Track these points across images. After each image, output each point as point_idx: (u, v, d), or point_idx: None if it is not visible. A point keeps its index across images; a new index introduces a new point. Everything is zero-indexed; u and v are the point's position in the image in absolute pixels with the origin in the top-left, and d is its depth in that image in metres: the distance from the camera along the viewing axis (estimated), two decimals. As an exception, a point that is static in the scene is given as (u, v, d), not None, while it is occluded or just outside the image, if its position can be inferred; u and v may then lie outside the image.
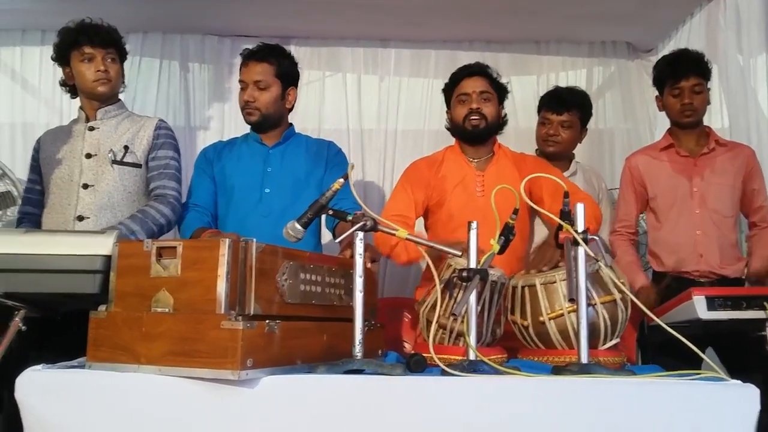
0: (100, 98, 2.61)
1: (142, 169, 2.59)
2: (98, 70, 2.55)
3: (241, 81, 2.64)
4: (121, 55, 2.65)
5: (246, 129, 2.78)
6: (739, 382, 1.53)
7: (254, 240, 1.52)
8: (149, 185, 2.59)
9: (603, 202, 3.15)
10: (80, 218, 2.48)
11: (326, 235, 2.82)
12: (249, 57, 2.63)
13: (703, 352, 1.70)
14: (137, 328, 1.53)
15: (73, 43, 2.55)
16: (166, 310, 1.52)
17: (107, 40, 2.56)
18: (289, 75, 2.68)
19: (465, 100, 2.56)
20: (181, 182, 2.65)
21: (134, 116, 2.70)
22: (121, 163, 2.55)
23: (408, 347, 2.58)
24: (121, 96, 2.74)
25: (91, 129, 2.59)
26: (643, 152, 2.93)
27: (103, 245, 1.68)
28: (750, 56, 3.10)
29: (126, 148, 2.56)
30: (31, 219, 2.63)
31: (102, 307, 1.61)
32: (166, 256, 1.55)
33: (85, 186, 2.51)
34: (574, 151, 3.19)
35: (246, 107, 2.62)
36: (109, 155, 2.54)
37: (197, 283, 1.50)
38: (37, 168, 2.65)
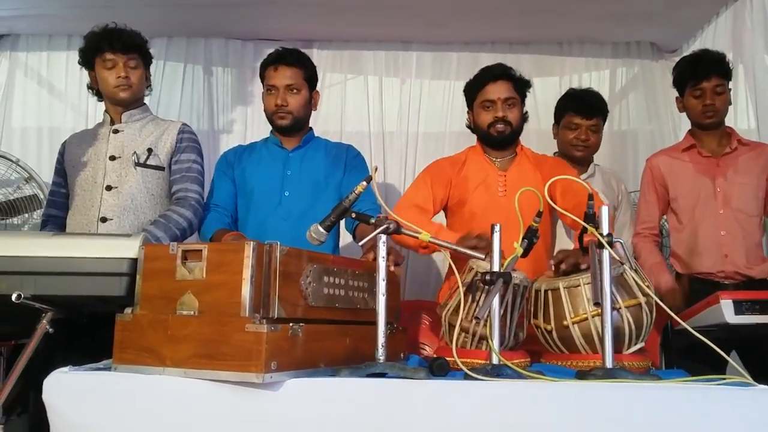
0: (122, 104, 2.64)
1: (165, 172, 2.62)
2: (119, 77, 2.58)
3: (271, 86, 2.64)
4: (146, 60, 2.67)
5: (268, 133, 2.80)
6: (766, 387, 1.51)
7: (278, 243, 1.53)
8: (171, 188, 2.62)
9: (622, 204, 3.13)
10: (103, 220, 2.51)
11: (344, 238, 2.83)
12: (278, 61, 2.65)
13: (728, 356, 1.68)
14: (163, 330, 1.54)
15: (96, 48, 2.59)
16: (191, 312, 1.53)
17: (129, 46, 2.58)
18: (314, 78, 2.73)
19: (489, 107, 2.54)
20: (204, 185, 2.68)
21: (158, 120, 2.73)
22: (145, 165, 2.58)
23: (428, 350, 2.58)
24: (146, 100, 2.77)
25: (116, 132, 2.62)
26: (665, 153, 2.91)
27: (130, 248, 1.70)
28: (778, 56, 3.06)
29: (149, 150, 2.59)
30: (55, 222, 2.66)
31: (128, 310, 1.62)
32: (192, 259, 1.56)
33: (109, 188, 2.54)
34: None
35: (279, 111, 2.64)
36: (133, 158, 2.57)
37: (222, 285, 1.51)
38: (61, 171, 2.69)
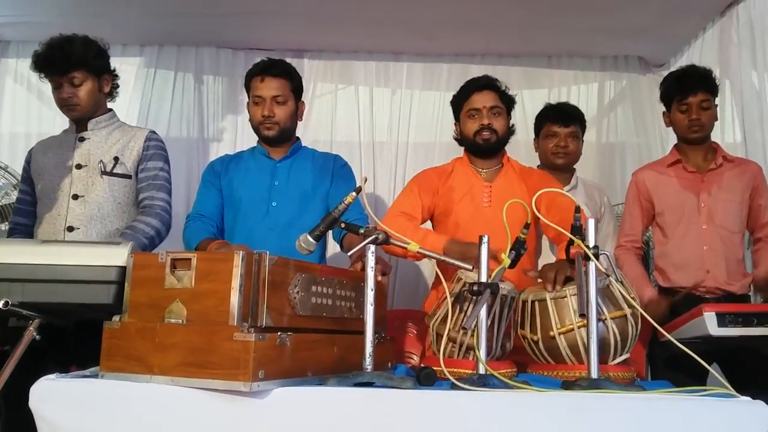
0: (74, 121, 2.63)
1: (132, 180, 2.59)
2: (61, 98, 2.55)
3: (257, 96, 2.63)
4: (96, 69, 2.59)
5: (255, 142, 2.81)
6: (749, 398, 1.52)
7: (267, 252, 1.54)
8: (138, 196, 2.60)
9: (605, 216, 3.16)
10: (70, 229, 2.49)
11: (332, 247, 2.83)
12: (264, 72, 2.64)
13: (710, 367, 1.70)
14: (150, 338, 1.54)
15: (40, 71, 2.55)
16: (180, 321, 1.54)
17: (68, 65, 2.51)
18: (300, 89, 2.73)
19: (475, 115, 2.57)
20: (171, 193, 2.67)
21: (125, 127, 2.71)
22: (111, 174, 2.55)
23: (414, 359, 2.59)
24: (136, 107, 2.76)
25: (82, 140, 2.60)
26: (650, 167, 2.93)
27: (118, 256, 1.71)
28: (765, 71, 3.09)
29: (116, 159, 2.57)
30: (22, 230, 2.64)
31: (116, 318, 1.62)
32: (181, 267, 1.57)
33: (75, 197, 2.52)
34: (575, 165, 3.21)
35: (265, 122, 2.63)
36: (99, 166, 2.55)
37: (211, 294, 1.52)
38: (28, 179, 2.67)
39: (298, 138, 2.79)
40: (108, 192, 2.54)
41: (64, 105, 2.57)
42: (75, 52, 2.52)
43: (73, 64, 2.52)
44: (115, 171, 2.56)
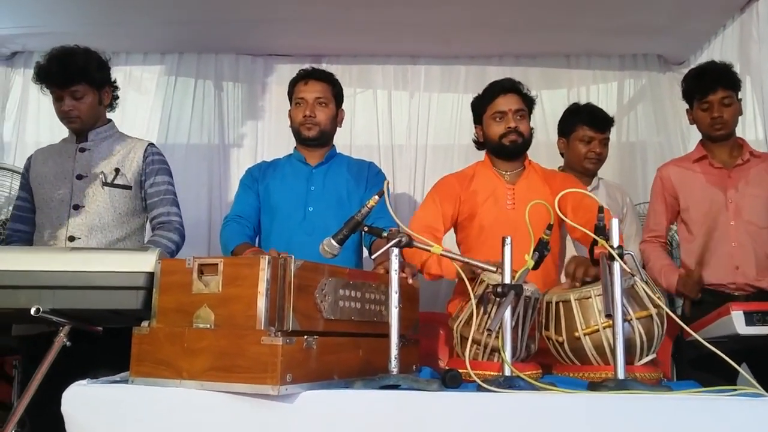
0: (74, 132, 2.65)
1: (132, 190, 2.62)
2: (62, 110, 2.58)
3: (300, 98, 2.68)
4: (97, 82, 2.61)
5: (279, 147, 2.83)
6: (779, 397, 1.51)
7: (293, 257, 1.55)
8: (150, 212, 2.64)
9: (628, 216, 3.14)
10: (71, 239, 2.51)
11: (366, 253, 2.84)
12: (309, 76, 2.71)
13: (739, 367, 1.68)
14: (179, 343, 1.56)
15: (42, 82, 2.57)
16: (208, 325, 1.55)
17: (69, 79, 2.53)
18: (341, 96, 2.78)
19: (501, 118, 2.57)
20: (179, 205, 2.72)
21: (125, 137, 2.73)
22: (112, 185, 2.58)
23: (443, 363, 2.59)
24: (157, 115, 2.79)
25: (82, 150, 2.63)
26: (676, 163, 2.92)
27: (147, 262, 1.72)
28: (784, 66, 3.07)
29: (117, 170, 2.60)
30: (21, 237, 2.66)
31: (144, 323, 1.64)
32: (208, 272, 1.59)
33: (76, 207, 2.54)
34: None
35: (306, 122, 2.67)
36: (101, 177, 2.57)
37: (238, 299, 1.53)
38: (27, 186, 2.68)
39: (333, 145, 2.81)
40: (108, 202, 2.56)
41: (65, 117, 2.59)
42: (76, 65, 2.54)
43: (75, 78, 2.54)
44: (115, 182, 2.59)
